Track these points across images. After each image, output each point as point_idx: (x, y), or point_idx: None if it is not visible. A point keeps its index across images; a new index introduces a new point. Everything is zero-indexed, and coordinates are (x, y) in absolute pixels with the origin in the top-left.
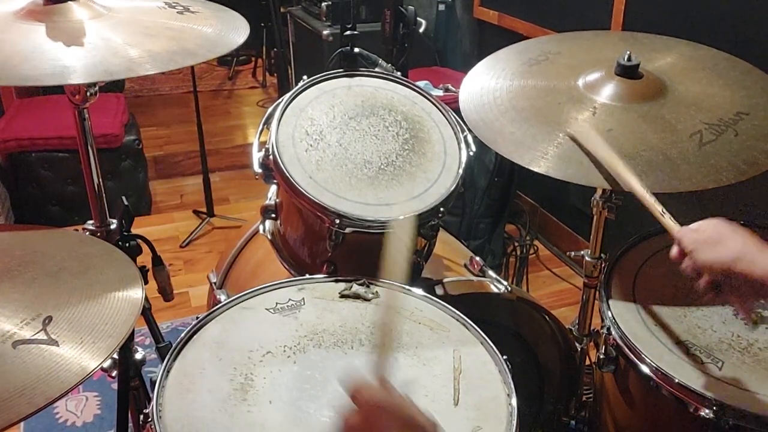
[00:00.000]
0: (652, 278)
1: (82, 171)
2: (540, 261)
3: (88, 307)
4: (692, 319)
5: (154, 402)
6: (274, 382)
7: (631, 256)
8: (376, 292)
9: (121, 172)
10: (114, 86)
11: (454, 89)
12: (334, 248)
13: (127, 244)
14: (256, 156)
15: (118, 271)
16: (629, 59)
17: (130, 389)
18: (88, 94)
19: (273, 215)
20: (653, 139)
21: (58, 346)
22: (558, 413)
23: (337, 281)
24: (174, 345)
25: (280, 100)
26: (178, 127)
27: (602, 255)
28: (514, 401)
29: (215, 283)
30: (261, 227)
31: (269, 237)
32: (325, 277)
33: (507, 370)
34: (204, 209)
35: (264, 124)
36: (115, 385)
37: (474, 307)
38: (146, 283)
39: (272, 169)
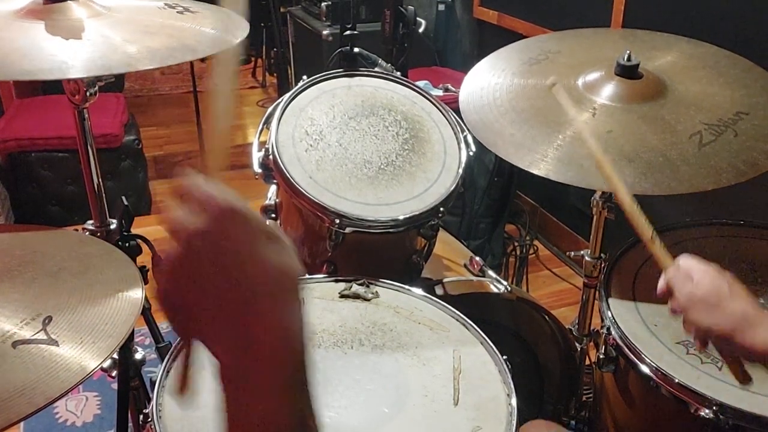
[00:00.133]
0: (652, 278)
1: (82, 171)
2: (540, 261)
3: (88, 307)
4: None
5: (154, 402)
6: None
7: (631, 256)
8: (376, 292)
9: (121, 172)
10: (114, 86)
11: (453, 89)
12: (334, 248)
13: (127, 244)
14: (256, 156)
15: (118, 271)
16: (629, 59)
17: (130, 389)
18: (88, 94)
19: (273, 215)
20: (653, 141)
21: (58, 346)
22: (558, 413)
23: (337, 281)
24: (174, 345)
25: (280, 100)
26: (178, 127)
27: (602, 255)
28: (514, 401)
29: None
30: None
31: None
32: (325, 277)
33: (507, 370)
34: None
35: (264, 124)
36: (115, 385)
37: (474, 307)
38: (146, 283)
39: (272, 169)
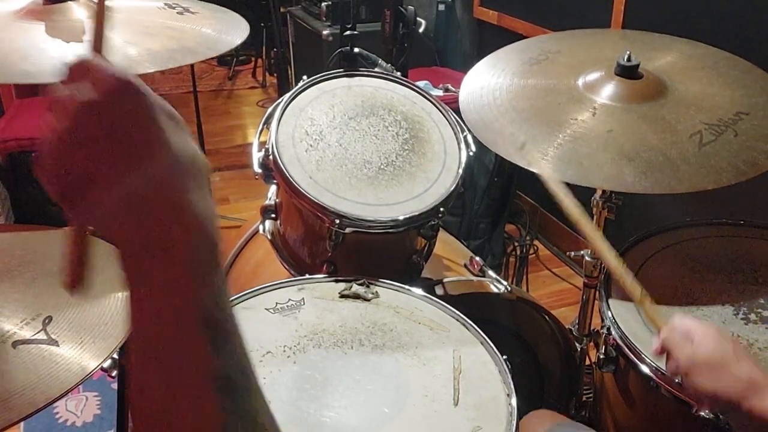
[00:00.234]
0: (652, 278)
1: None
2: (540, 261)
3: (88, 307)
4: None
5: None
6: (274, 382)
7: (631, 256)
8: (376, 292)
9: None
10: None
11: (453, 89)
12: (334, 248)
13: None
14: (256, 156)
15: (118, 271)
16: (629, 59)
17: None
18: None
19: (273, 215)
20: (653, 140)
21: (58, 346)
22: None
23: (337, 281)
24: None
25: (280, 100)
26: None
27: None
28: (514, 401)
29: None
30: (261, 227)
31: (269, 237)
32: (325, 277)
33: (507, 370)
34: None
35: (264, 124)
36: (115, 385)
37: (474, 307)
38: None
39: (272, 169)
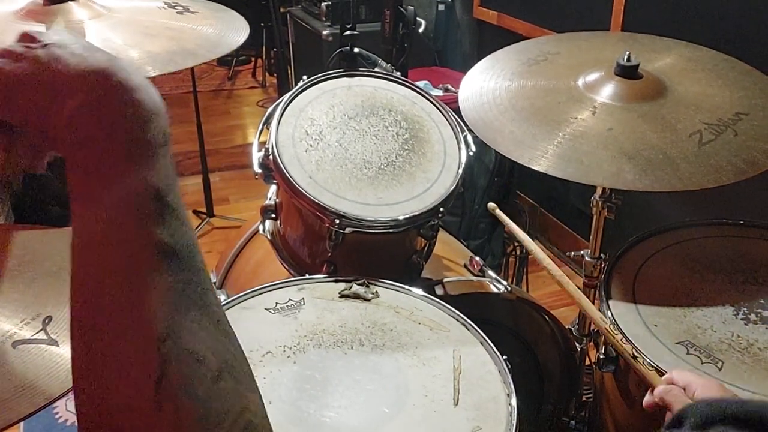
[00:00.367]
0: (652, 278)
1: None
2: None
3: None
4: (692, 319)
5: None
6: (273, 382)
7: (631, 256)
8: (376, 292)
9: None
10: None
11: (453, 89)
12: (334, 248)
13: None
14: (256, 156)
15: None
16: (629, 59)
17: None
18: None
19: (273, 215)
20: (653, 139)
21: (58, 345)
22: (558, 413)
23: (337, 281)
24: None
25: (280, 100)
26: (177, 127)
27: (602, 255)
28: (513, 401)
29: (215, 283)
30: (261, 227)
31: (269, 237)
32: (325, 277)
33: (507, 370)
34: (204, 209)
35: (264, 124)
36: None
37: (474, 307)
38: None
39: (272, 169)
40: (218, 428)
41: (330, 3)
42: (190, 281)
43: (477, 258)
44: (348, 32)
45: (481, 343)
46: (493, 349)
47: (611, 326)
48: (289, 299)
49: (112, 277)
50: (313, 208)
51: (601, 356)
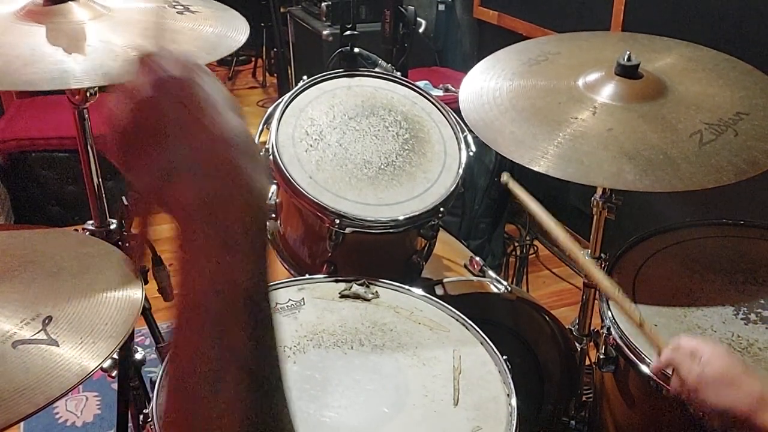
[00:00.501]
0: (652, 278)
1: (82, 171)
2: (540, 261)
3: (88, 307)
4: (692, 319)
5: (154, 402)
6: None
7: (631, 256)
8: (376, 292)
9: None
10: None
11: (454, 89)
12: (334, 248)
13: (127, 244)
14: None
15: (118, 271)
16: (629, 59)
17: (130, 389)
18: (88, 94)
19: (273, 215)
20: (653, 139)
21: (58, 346)
22: (558, 413)
23: (337, 281)
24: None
25: (280, 100)
26: None
27: (602, 255)
28: (513, 401)
29: None
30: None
31: (269, 237)
32: (325, 277)
33: (507, 370)
34: None
35: (264, 124)
36: (115, 385)
37: (474, 307)
38: (146, 283)
39: (272, 169)
40: None
41: (330, 3)
42: (266, 403)
43: (477, 258)
44: (348, 32)
45: (481, 343)
46: (493, 349)
47: (620, 292)
48: (289, 299)
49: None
50: (313, 208)
51: (601, 356)
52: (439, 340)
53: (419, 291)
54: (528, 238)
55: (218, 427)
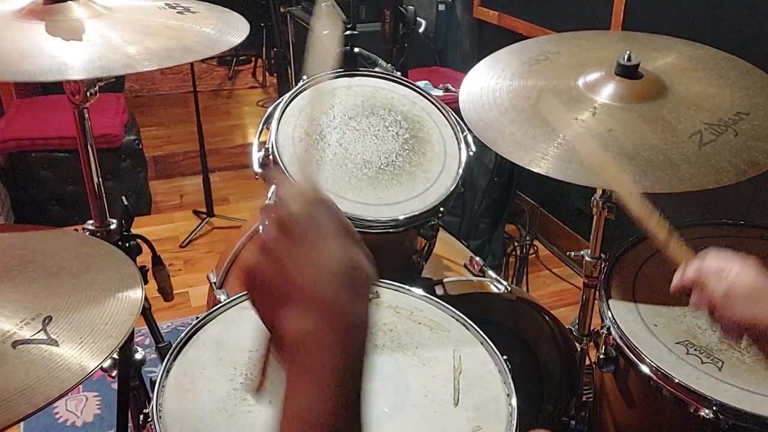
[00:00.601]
0: (652, 278)
1: (82, 171)
2: (540, 261)
3: (88, 307)
4: (692, 319)
5: (154, 402)
6: (273, 382)
7: (631, 256)
8: (376, 292)
9: (121, 172)
10: (114, 86)
11: (454, 89)
12: None
13: (127, 244)
14: (256, 156)
15: (118, 271)
16: (629, 59)
17: (130, 389)
18: (88, 94)
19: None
20: (653, 139)
21: (58, 346)
22: (558, 413)
23: None
24: (174, 345)
25: (280, 100)
26: (178, 127)
27: (602, 255)
28: (514, 401)
29: (215, 283)
30: (261, 227)
31: None
32: None
33: (507, 370)
34: (204, 209)
35: (264, 124)
36: (115, 385)
37: (474, 307)
38: (146, 283)
39: (272, 169)
40: None
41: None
42: None
43: (477, 258)
44: (348, 32)
45: (481, 343)
46: (493, 349)
47: (649, 207)
48: None
49: None
50: None
51: (601, 356)
52: (439, 340)
53: (419, 291)
54: (528, 238)
55: None
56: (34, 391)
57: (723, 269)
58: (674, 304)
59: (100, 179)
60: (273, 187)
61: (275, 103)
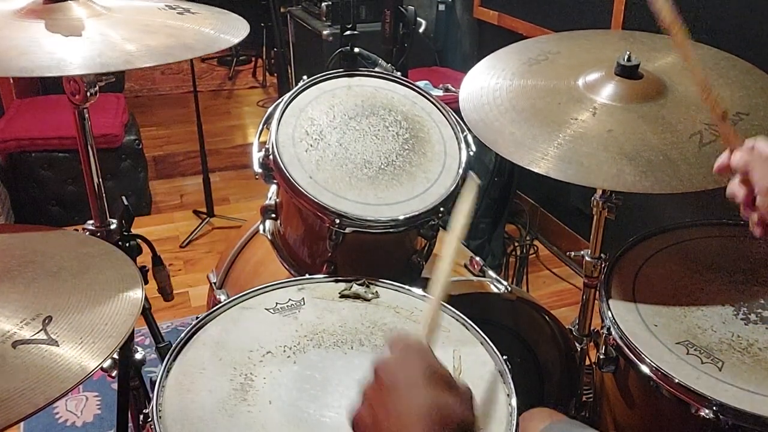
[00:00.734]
0: (652, 278)
1: (82, 171)
2: (540, 261)
3: (88, 307)
4: (692, 319)
5: (154, 402)
6: (274, 382)
7: (631, 256)
8: (376, 292)
9: (121, 172)
10: (114, 86)
11: (454, 89)
12: (334, 248)
13: (127, 244)
14: (256, 156)
15: (118, 271)
16: (629, 59)
17: (130, 389)
18: (88, 94)
19: (273, 215)
20: (653, 140)
21: (58, 346)
22: None
23: (337, 281)
24: (174, 345)
25: (280, 100)
26: (178, 127)
27: (602, 255)
28: (514, 401)
29: (215, 283)
30: (261, 227)
31: (269, 237)
32: (325, 277)
33: (507, 370)
34: (204, 209)
35: (264, 124)
36: (115, 385)
37: (474, 307)
38: (146, 283)
39: (272, 169)
40: None
41: (330, 3)
42: None
43: (477, 258)
44: (348, 32)
45: (481, 343)
46: (493, 349)
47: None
48: (289, 299)
49: None
50: (313, 207)
51: (601, 356)
52: (439, 340)
53: (419, 291)
54: (528, 238)
55: None
56: (34, 391)
57: None
58: (674, 304)
59: (100, 179)
60: (273, 188)
61: (275, 103)
